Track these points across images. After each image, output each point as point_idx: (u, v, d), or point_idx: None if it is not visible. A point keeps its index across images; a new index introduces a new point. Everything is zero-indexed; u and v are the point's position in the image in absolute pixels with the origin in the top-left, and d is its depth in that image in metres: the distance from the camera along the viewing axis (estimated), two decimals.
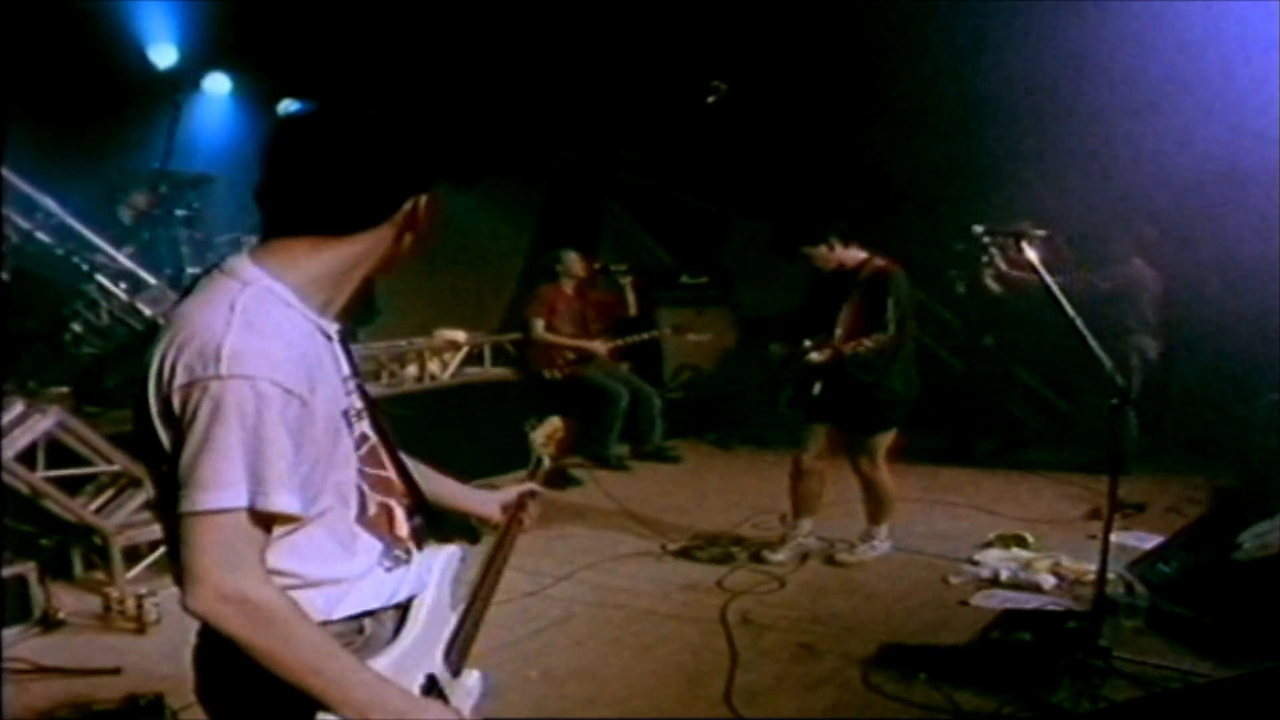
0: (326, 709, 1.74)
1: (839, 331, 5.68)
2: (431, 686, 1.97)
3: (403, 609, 2.02)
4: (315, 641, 1.77)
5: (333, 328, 1.91)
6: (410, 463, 2.22)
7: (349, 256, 1.87)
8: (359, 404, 1.98)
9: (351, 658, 1.80)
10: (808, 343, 5.71)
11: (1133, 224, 8.17)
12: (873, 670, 4.56)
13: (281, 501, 1.71)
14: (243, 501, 1.68)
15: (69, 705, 4.19)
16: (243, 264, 1.84)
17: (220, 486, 1.67)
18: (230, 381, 1.67)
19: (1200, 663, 4.45)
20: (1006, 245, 6.30)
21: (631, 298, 8.95)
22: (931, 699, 4.25)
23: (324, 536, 1.86)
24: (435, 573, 2.11)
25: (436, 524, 2.17)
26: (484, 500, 2.57)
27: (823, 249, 5.78)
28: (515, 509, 2.56)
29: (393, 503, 2.02)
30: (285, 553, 1.82)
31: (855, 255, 5.82)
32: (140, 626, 4.98)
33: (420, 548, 2.08)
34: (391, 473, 2.04)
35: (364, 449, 1.96)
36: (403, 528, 2.04)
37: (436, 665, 2.02)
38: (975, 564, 5.90)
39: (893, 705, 4.27)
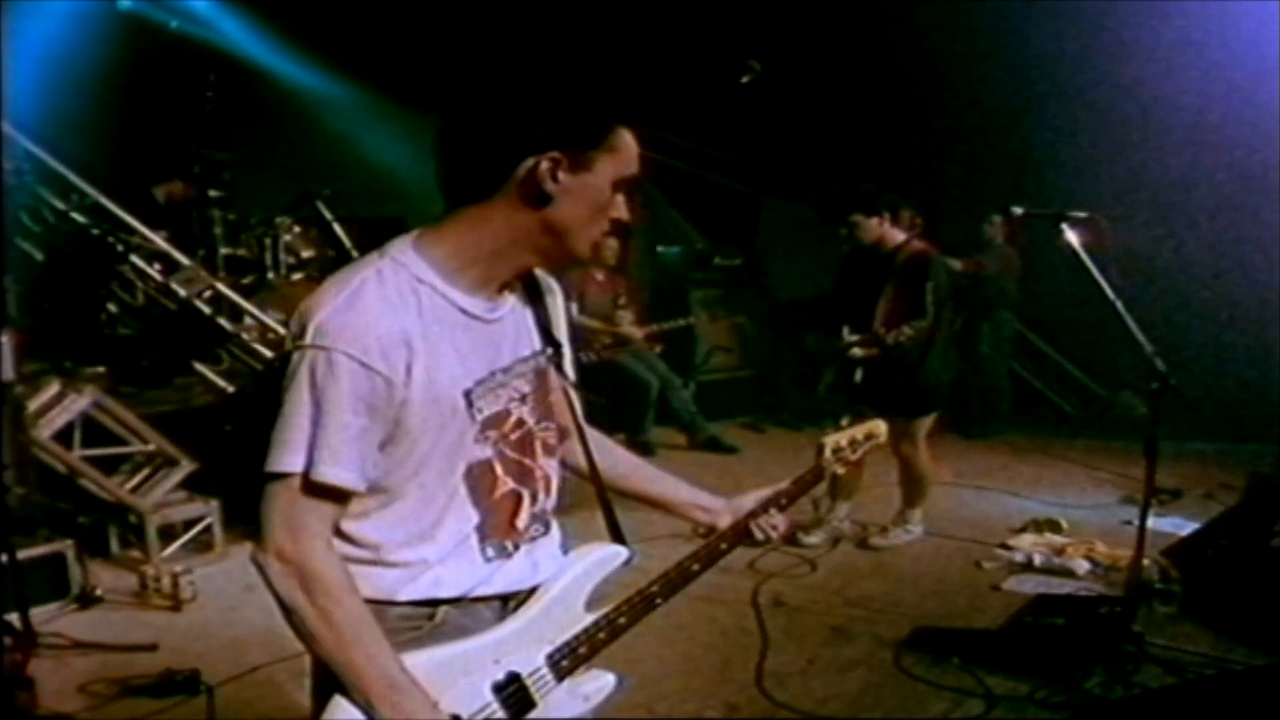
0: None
1: (878, 318, 5.64)
2: (509, 684, 1.90)
3: (518, 599, 1.99)
4: (356, 623, 1.77)
5: (484, 306, 1.87)
6: (627, 459, 2.30)
7: (481, 230, 1.84)
8: (525, 388, 1.95)
9: (383, 648, 1.77)
10: (847, 333, 5.66)
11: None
12: (904, 654, 4.55)
13: (332, 473, 1.73)
14: (299, 468, 1.73)
15: (106, 680, 4.23)
16: (398, 240, 1.86)
17: (286, 450, 1.74)
18: (309, 351, 1.73)
19: (1235, 649, 4.43)
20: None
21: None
22: (963, 683, 4.24)
23: (413, 516, 1.86)
24: (574, 570, 2.05)
25: None
26: (709, 505, 2.38)
27: (873, 220, 5.73)
28: (747, 517, 2.33)
29: (525, 492, 1.98)
30: (372, 525, 1.85)
31: (895, 235, 5.78)
32: (176, 604, 5.03)
33: (535, 538, 2.02)
34: (538, 463, 2.01)
35: (518, 434, 1.95)
36: (523, 519, 1.98)
37: (532, 664, 1.94)
38: (1008, 549, 5.87)
39: (924, 688, 4.26)
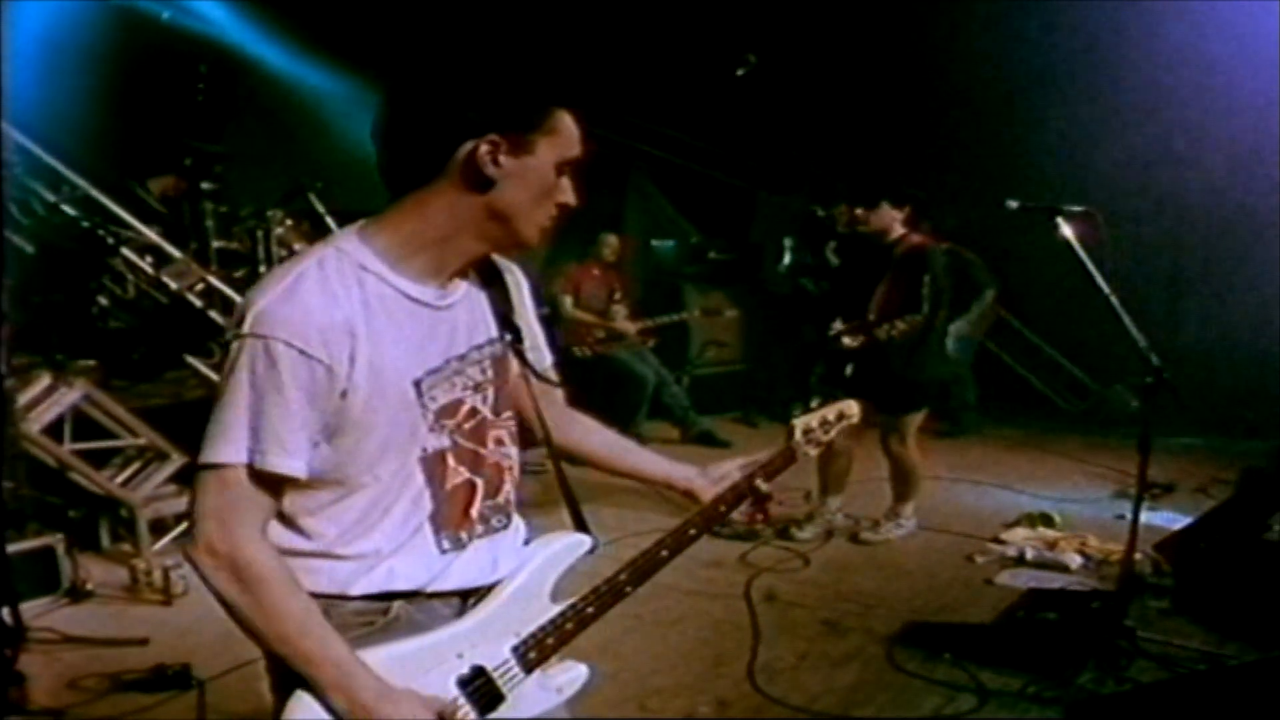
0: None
1: (873, 310, 5.62)
2: (475, 678, 1.87)
3: (478, 595, 1.97)
4: (294, 613, 1.74)
5: (434, 294, 1.84)
6: (605, 434, 2.28)
7: (426, 216, 1.80)
8: (479, 376, 1.93)
9: (331, 637, 1.75)
10: (838, 324, 5.65)
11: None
12: (897, 648, 4.55)
13: (277, 462, 1.71)
14: (242, 458, 1.70)
15: (96, 675, 4.21)
16: (343, 229, 1.85)
17: (224, 441, 1.70)
18: (248, 340, 1.70)
19: (1227, 644, 4.44)
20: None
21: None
22: (955, 678, 4.24)
23: (368, 508, 1.84)
24: (536, 560, 2.01)
25: None
26: (688, 474, 2.30)
27: (873, 215, 5.73)
28: (727, 494, 2.25)
29: (479, 481, 1.95)
30: (326, 518, 1.83)
31: (896, 227, 5.76)
32: (167, 598, 5.00)
33: (493, 531, 1.99)
34: (493, 452, 1.97)
35: (471, 423, 1.92)
36: (477, 509, 1.95)
37: (498, 658, 1.91)
38: (1001, 543, 5.88)
39: (916, 683, 4.25)
